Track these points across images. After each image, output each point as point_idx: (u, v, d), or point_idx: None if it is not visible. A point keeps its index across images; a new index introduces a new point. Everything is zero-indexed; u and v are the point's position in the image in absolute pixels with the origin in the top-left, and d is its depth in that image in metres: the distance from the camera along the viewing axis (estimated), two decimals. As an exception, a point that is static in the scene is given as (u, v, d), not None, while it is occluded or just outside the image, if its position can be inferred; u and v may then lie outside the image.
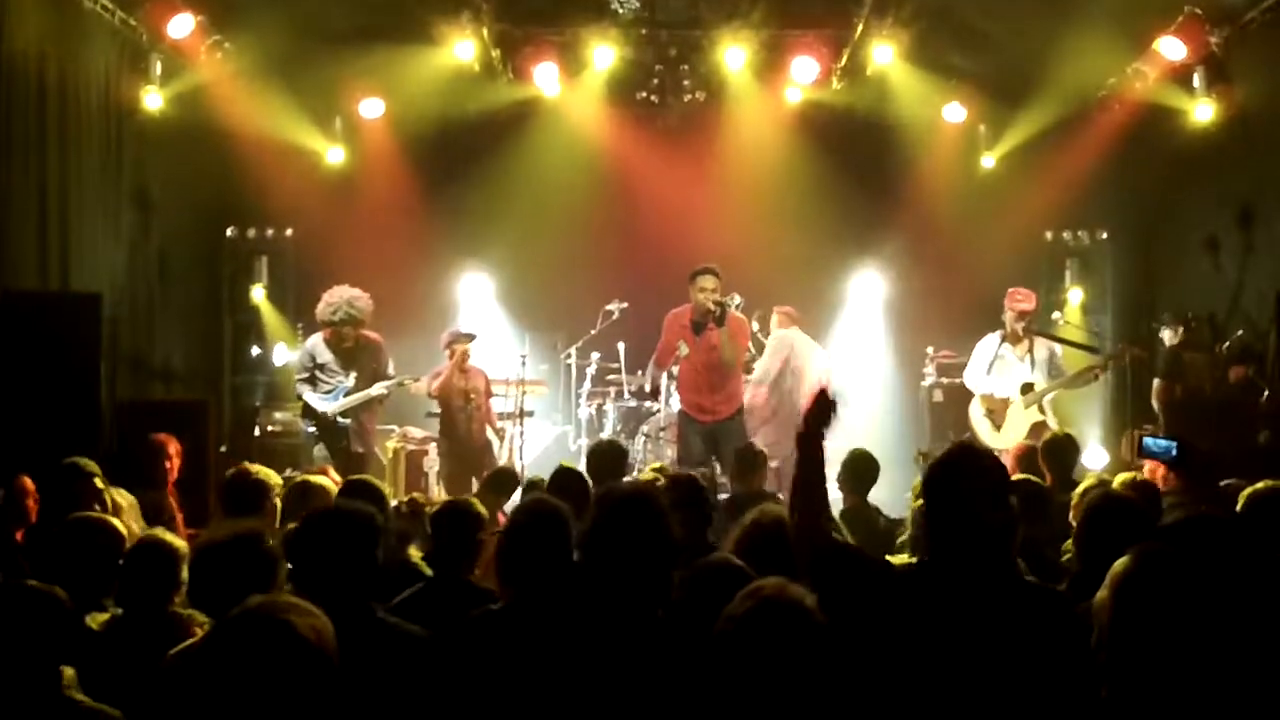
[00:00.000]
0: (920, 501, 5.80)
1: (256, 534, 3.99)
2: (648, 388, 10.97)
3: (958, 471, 3.46)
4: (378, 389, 9.76)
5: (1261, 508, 4.84)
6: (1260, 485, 4.99)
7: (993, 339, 10.40)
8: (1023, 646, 3.28)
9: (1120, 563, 3.02)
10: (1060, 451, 7.26)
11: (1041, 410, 10.12)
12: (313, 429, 9.91)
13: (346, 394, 9.73)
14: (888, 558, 4.64)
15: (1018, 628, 3.31)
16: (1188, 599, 2.91)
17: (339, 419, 9.75)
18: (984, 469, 3.47)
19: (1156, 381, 10.28)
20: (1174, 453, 6.11)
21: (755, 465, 7.60)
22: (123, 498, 6.38)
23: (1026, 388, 10.15)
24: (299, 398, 9.97)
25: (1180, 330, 10.40)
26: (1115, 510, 4.38)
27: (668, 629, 3.56)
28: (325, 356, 9.85)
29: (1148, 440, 6.35)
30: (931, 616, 3.32)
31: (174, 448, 7.39)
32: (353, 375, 9.79)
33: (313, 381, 9.87)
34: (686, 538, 4.59)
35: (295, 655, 2.66)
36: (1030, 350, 10.26)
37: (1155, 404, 10.23)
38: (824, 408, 3.84)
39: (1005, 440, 9.90)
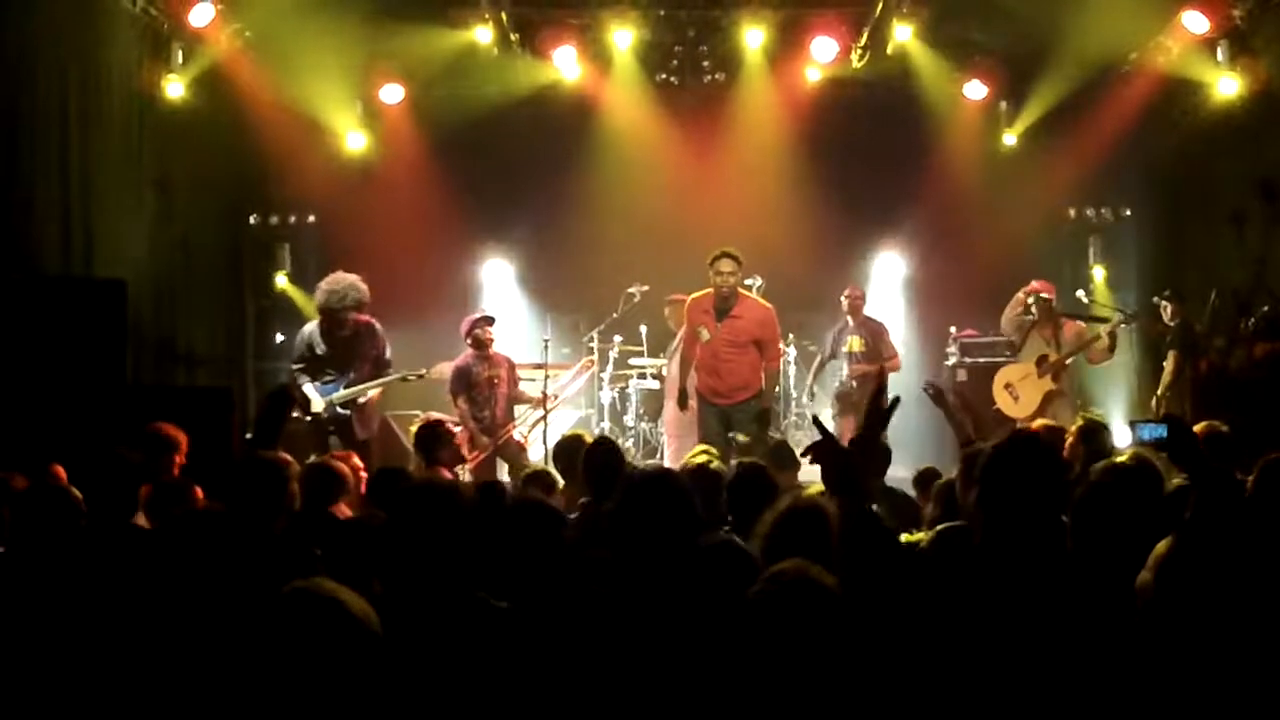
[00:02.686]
0: (944, 480, 5.83)
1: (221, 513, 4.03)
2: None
3: (1014, 462, 3.50)
4: (374, 388, 9.65)
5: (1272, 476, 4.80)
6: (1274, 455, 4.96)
7: (1028, 319, 10.63)
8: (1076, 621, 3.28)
9: (1162, 544, 3.03)
10: (1094, 436, 7.22)
11: (1055, 380, 10.35)
12: (308, 418, 9.73)
13: (345, 386, 9.63)
14: (906, 536, 4.66)
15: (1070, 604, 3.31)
16: (1227, 579, 2.91)
17: (339, 409, 9.63)
18: (1040, 457, 3.53)
19: (1171, 355, 10.33)
20: (1164, 436, 6.02)
21: (788, 463, 7.52)
22: None
23: (1041, 359, 10.40)
24: (297, 387, 9.71)
25: (1173, 307, 10.43)
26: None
27: (690, 604, 3.58)
28: (322, 348, 9.66)
29: (1140, 427, 6.28)
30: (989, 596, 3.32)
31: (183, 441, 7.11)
32: (350, 364, 9.66)
33: (311, 372, 9.71)
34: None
35: (346, 633, 2.70)
36: (1055, 334, 10.46)
37: (1164, 379, 10.29)
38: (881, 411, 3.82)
39: (1023, 411, 10.30)
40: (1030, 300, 10.52)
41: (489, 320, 10.64)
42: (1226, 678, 2.88)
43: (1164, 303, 10.58)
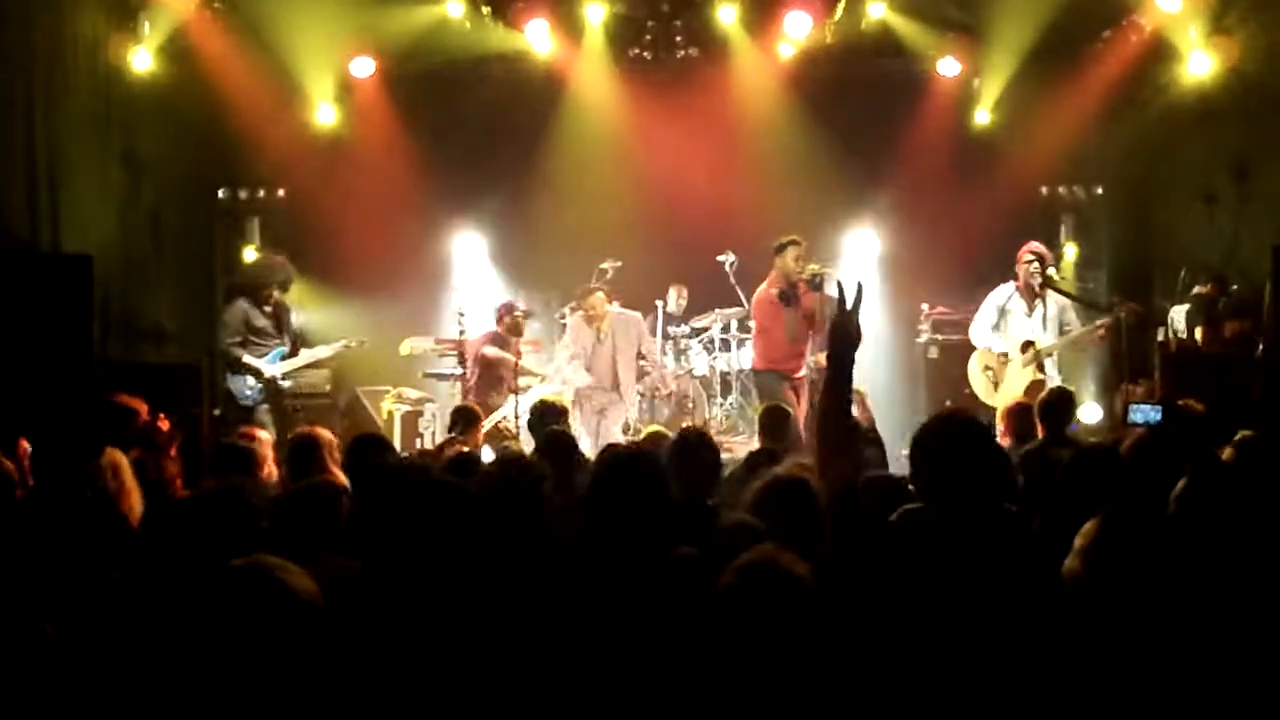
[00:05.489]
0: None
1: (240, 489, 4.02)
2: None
3: (943, 438, 3.63)
4: (323, 351, 9.78)
5: (1250, 454, 4.84)
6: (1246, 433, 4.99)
7: (1005, 290, 10.13)
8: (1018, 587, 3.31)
9: (1088, 527, 3.03)
10: (1056, 407, 7.23)
11: (1041, 369, 9.87)
12: (254, 390, 9.86)
13: (283, 357, 9.74)
14: None
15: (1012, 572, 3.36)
16: (1155, 561, 2.92)
17: (280, 380, 9.75)
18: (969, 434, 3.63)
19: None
20: (1160, 419, 6.03)
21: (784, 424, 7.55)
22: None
23: (1026, 345, 9.95)
24: (238, 361, 9.89)
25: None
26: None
27: (668, 581, 3.57)
28: (260, 321, 9.91)
29: (1134, 409, 6.26)
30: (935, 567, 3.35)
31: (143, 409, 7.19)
32: (285, 338, 9.87)
33: (245, 345, 9.87)
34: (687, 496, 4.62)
35: (290, 610, 2.69)
36: (1043, 305, 10.02)
37: None
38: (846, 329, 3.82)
39: (1003, 398, 9.64)
40: (1028, 261, 9.98)
41: (528, 314, 10.77)
42: (1158, 661, 2.89)
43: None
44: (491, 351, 10.81)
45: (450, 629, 3.48)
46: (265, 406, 9.93)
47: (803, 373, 9.86)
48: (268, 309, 9.89)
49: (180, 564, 3.79)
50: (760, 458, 6.02)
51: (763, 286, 10.08)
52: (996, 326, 10.08)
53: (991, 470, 3.63)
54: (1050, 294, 10.07)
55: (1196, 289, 10.31)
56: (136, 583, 3.99)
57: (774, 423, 7.49)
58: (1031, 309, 10.00)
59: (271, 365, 9.76)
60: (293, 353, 9.90)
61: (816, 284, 9.69)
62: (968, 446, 3.60)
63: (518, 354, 10.68)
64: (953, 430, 3.67)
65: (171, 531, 3.94)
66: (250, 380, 9.84)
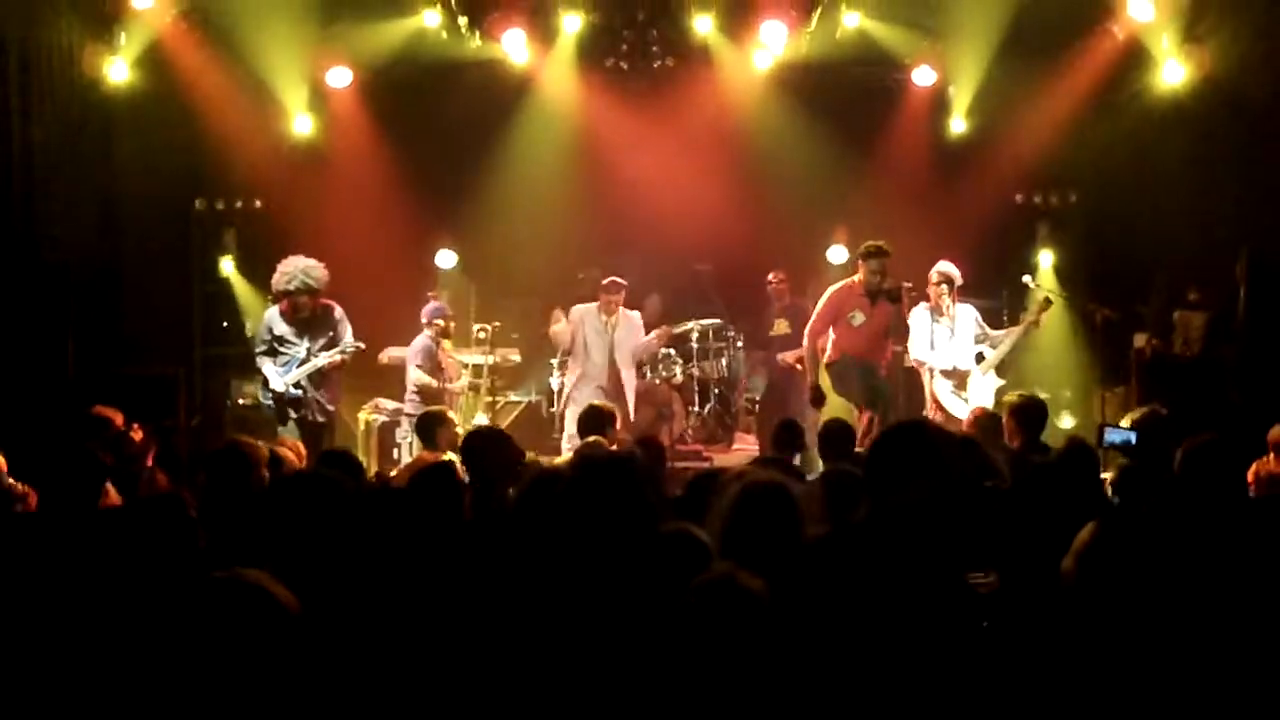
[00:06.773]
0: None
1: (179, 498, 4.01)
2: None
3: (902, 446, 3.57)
4: (322, 359, 9.62)
5: (1197, 460, 4.85)
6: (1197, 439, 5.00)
7: (922, 314, 10.03)
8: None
9: (1085, 531, 3.05)
10: (1031, 413, 7.27)
11: (1000, 374, 10.02)
12: (269, 401, 9.81)
13: (298, 365, 9.63)
14: None
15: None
16: (1149, 566, 2.95)
17: (291, 389, 9.62)
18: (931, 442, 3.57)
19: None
20: (1133, 443, 6.01)
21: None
22: None
23: (979, 358, 10.02)
24: (259, 370, 9.85)
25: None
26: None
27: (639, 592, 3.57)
28: (282, 328, 9.65)
29: (1108, 431, 6.23)
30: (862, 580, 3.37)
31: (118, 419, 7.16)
32: (305, 345, 9.66)
33: (272, 354, 9.74)
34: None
35: (274, 619, 2.70)
36: (954, 320, 10.02)
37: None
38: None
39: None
40: (936, 283, 9.93)
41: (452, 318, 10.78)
42: (1147, 663, 2.91)
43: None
44: (420, 380, 10.69)
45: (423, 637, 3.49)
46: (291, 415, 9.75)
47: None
48: (301, 315, 9.68)
49: (116, 570, 3.79)
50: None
51: (843, 281, 10.15)
52: (933, 349, 10.07)
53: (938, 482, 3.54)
54: (956, 308, 10.05)
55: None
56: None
57: (786, 435, 7.58)
58: (953, 329, 10.02)
59: (280, 376, 9.63)
60: (305, 361, 9.70)
61: (894, 297, 9.78)
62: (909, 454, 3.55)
63: (446, 362, 10.68)
64: (898, 439, 3.64)
65: (107, 539, 3.94)
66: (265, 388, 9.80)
